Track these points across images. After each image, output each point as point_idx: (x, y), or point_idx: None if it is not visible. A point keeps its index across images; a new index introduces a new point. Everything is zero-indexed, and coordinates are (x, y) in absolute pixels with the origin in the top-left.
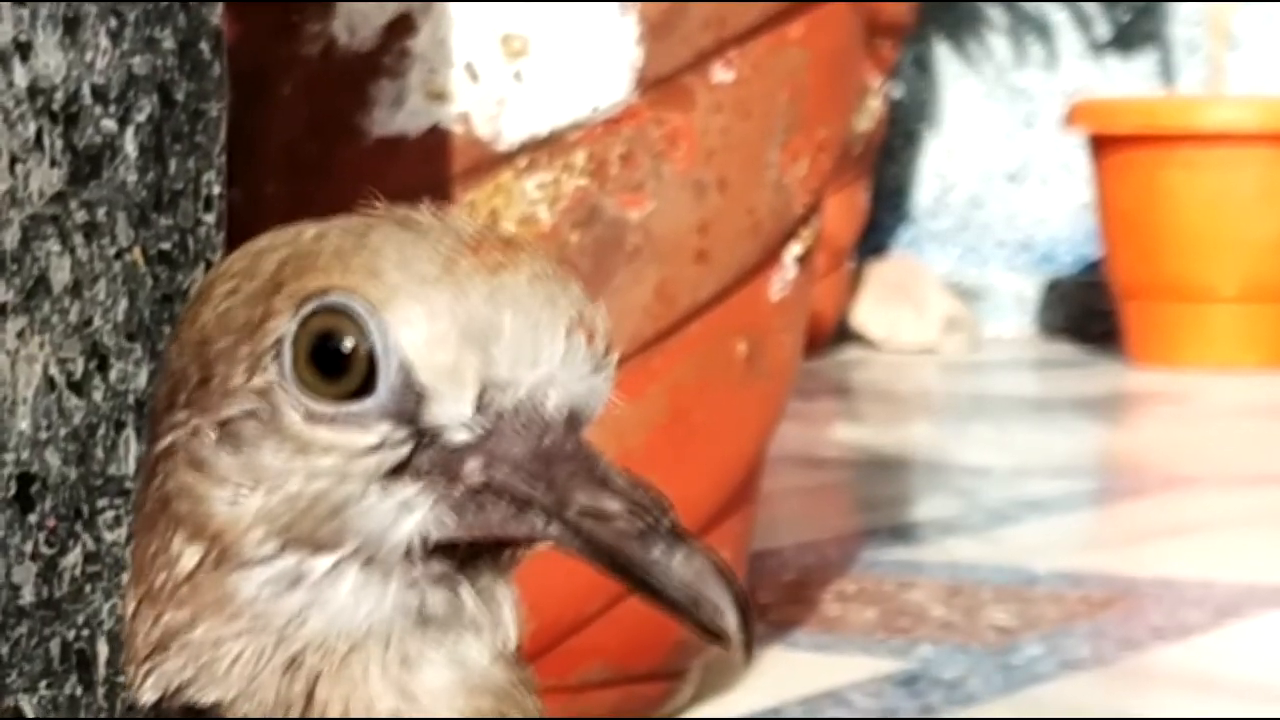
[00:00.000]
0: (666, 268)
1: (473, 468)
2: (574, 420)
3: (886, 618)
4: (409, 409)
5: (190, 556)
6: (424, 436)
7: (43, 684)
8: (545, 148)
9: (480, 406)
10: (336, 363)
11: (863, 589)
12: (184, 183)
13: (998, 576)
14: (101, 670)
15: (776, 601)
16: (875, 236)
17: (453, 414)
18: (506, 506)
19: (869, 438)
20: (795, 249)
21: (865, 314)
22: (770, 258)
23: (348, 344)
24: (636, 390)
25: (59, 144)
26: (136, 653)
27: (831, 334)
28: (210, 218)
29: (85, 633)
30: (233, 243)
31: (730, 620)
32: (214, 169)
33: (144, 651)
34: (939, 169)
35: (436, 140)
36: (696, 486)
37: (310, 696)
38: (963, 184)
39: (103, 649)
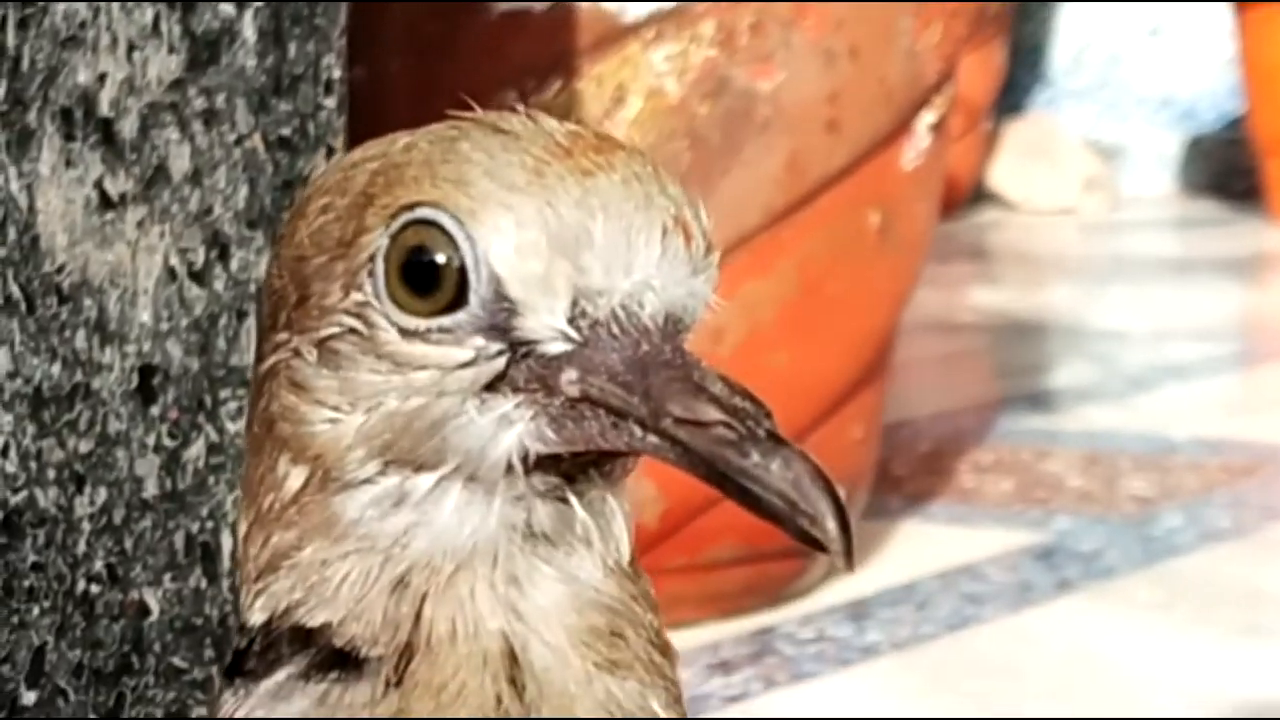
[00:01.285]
0: (797, 138)
1: (569, 379)
2: (672, 326)
3: (1023, 489)
4: (502, 321)
5: (295, 478)
6: (519, 349)
7: (167, 577)
8: (672, 19)
9: (574, 316)
10: (428, 277)
11: (999, 459)
12: (304, 67)
13: (1136, 445)
14: (225, 562)
15: (911, 474)
16: (1012, 96)
17: (546, 325)
18: (604, 417)
19: (1006, 301)
20: (928, 117)
21: (1002, 175)
22: (902, 127)
23: (439, 257)
24: (767, 264)
25: (177, 30)
26: (248, 574)
27: (968, 195)
28: (331, 102)
29: (209, 525)
30: (356, 122)
31: (829, 527)
32: (334, 52)
33: (254, 573)
34: (1077, 26)
35: (562, 14)
36: (829, 360)
37: (418, 617)
38: (1101, 41)
39: (226, 541)
